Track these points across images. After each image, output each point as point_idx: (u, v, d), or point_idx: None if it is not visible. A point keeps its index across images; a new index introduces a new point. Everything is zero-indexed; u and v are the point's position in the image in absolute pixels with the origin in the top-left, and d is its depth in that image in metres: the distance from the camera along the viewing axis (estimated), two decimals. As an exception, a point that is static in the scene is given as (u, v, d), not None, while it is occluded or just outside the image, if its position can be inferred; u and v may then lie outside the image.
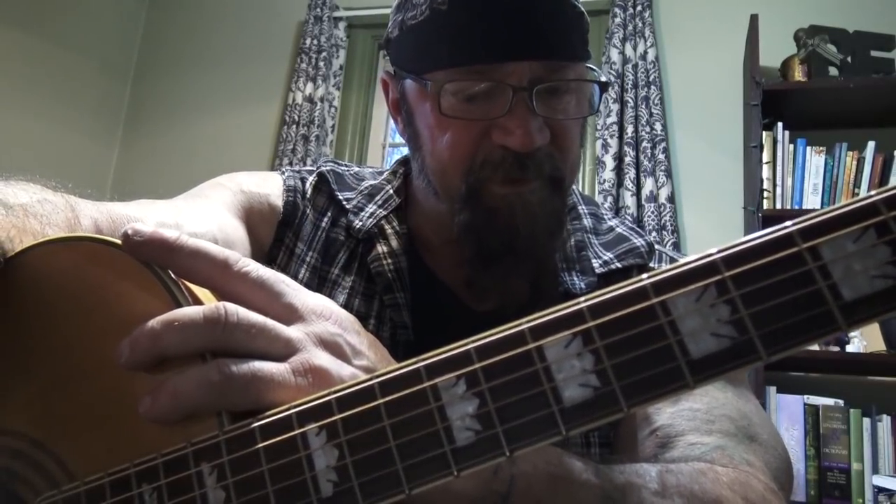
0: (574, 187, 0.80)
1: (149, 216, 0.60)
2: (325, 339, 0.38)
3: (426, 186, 0.72)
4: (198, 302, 0.37)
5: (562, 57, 0.64)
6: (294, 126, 2.87)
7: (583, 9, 0.66)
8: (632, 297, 0.29)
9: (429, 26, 0.65)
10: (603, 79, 0.68)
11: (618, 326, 0.29)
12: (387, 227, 0.74)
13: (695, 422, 0.57)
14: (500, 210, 0.65)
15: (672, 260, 0.76)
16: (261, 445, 0.33)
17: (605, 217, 0.79)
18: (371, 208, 0.75)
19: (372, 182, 0.79)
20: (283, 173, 0.79)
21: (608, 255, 0.73)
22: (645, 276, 0.30)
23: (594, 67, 0.69)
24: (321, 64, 2.92)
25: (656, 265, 0.74)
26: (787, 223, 0.27)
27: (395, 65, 0.72)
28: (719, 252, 0.28)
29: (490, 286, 0.69)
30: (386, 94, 0.76)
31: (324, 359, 0.37)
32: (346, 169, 0.81)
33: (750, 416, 0.59)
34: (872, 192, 0.26)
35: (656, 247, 0.76)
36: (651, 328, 0.29)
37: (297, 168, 0.81)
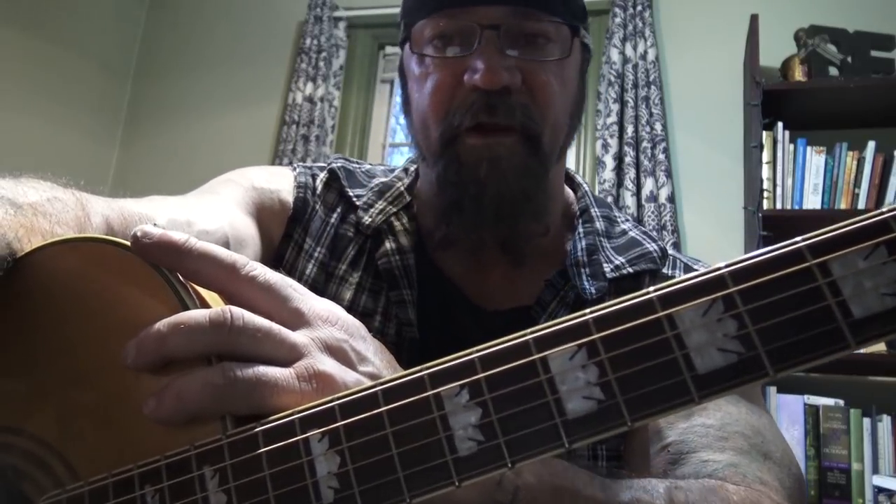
0: (587, 189, 0.79)
1: (160, 214, 0.60)
2: (330, 344, 0.38)
3: (419, 158, 0.73)
4: (205, 305, 0.37)
5: (535, 5, 0.65)
6: (294, 126, 2.86)
7: None
8: (638, 309, 0.29)
9: None
10: (575, 28, 0.67)
11: (623, 339, 0.29)
12: (396, 223, 0.74)
13: (707, 438, 0.56)
14: (468, 163, 0.66)
15: (687, 266, 0.74)
16: (263, 450, 0.33)
17: (619, 220, 0.78)
18: (381, 205, 0.75)
19: (383, 179, 0.78)
20: (294, 169, 0.78)
21: (620, 260, 0.72)
22: (652, 288, 0.29)
23: (574, 24, 0.68)
24: (321, 64, 2.92)
25: (670, 271, 0.73)
26: (797, 238, 0.27)
27: (399, 41, 0.73)
28: (727, 266, 0.28)
29: (459, 237, 0.70)
30: None
31: (329, 364, 0.37)
32: (357, 166, 0.81)
33: (763, 433, 0.58)
34: (883, 209, 0.26)
35: (670, 252, 0.75)
36: (657, 342, 0.28)
37: (308, 164, 0.80)
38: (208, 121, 3.14)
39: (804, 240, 0.27)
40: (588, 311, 0.30)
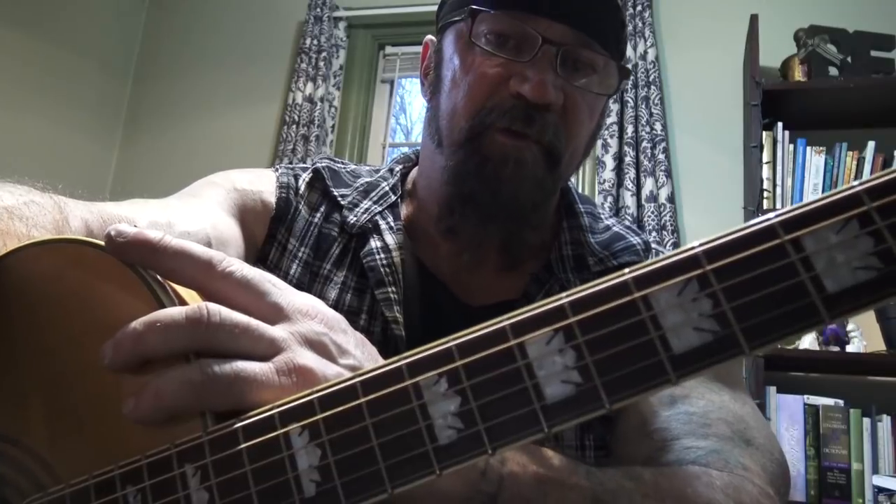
0: (570, 186, 0.80)
1: (141, 216, 0.60)
2: (310, 338, 0.38)
3: (431, 142, 0.73)
4: (183, 303, 0.37)
5: (595, 36, 0.66)
6: (294, 126, 2.87)
7: (625, 20, 0.69)
8: (613, 292, 0.29)
9: None
10: (627, 66, 0.69)
11: (599, 322, 0.29)
12: (381, 222, 0.74)
13: (690, 425, 0.56)
14: (494, 159, 0.66)
15: None
16: (244, 446, 0.33)
17: (602, 216, 0.79)
18: (366, 204, 0.75)
19: (368, 179, 0.78)
20: (276, 170, 0.78)
21: (604, 253, 0.73)
22: (626, 270, 0.29)
23: (625, 66, 0.70)
24: (321, 64, 2.92)
25: None
26: (770, 214, 0.27)
27: (443, 21, 0.73)
28: (701, 245, 0.28)
29: (464, 229, 0.70)
30: (423, 60, 0.78)
31: (308, 358, 0.37)
32: (342, 166, 0.80)
33: (746, 420, 0.58)
34: (855, 183, 0.26)
35: (653, 245, 0.76)
36: (633, 323, 0.28)
37: (291, 164, 0.80)
38: (208, 121, 3.14)
39: (777, 216, 0.27)
40: (564, 294, 0.30)
